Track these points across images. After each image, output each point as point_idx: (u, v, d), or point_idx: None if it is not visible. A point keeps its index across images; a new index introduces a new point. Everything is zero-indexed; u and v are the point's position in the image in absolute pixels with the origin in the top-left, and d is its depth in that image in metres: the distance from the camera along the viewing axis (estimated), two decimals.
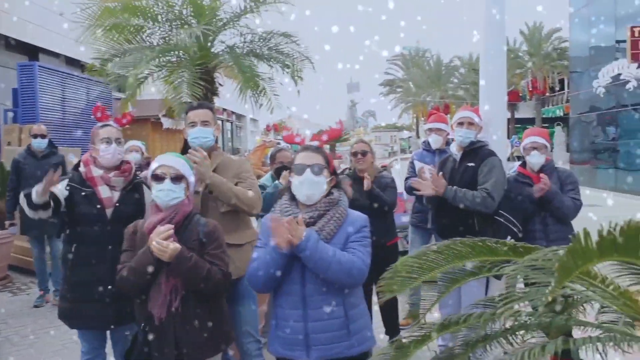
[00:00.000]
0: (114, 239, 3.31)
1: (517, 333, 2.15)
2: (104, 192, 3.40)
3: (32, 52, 14.04)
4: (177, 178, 2.88)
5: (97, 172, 3.42)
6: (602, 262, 1.57)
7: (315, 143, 3.47)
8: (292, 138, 3.93)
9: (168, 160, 2.95)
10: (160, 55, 9.72)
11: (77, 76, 12.82)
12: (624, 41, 14.29)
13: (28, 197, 3.30)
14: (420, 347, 2.03)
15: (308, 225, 2.65)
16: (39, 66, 11.22)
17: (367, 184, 4.56)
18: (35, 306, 6.55)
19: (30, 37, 13.65)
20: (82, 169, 3.49)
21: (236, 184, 3.52)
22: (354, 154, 4.79)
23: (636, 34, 13.68)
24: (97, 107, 4.67)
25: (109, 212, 3.40)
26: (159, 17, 9.96)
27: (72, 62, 15.68)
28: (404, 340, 2.06)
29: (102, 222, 3.37)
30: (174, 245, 2.68)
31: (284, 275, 2.68)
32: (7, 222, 6.75)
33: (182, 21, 9.93)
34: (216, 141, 3.82)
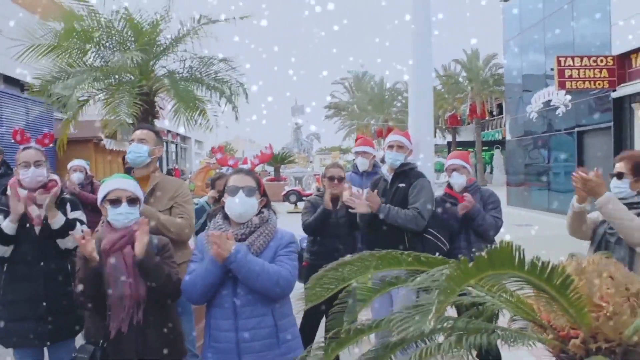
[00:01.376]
0: (44, 256, 3.46)
1: (432, 336, 2.36)
2: (32, 211, 3.49)
3: None
4: (133, 200, 3.03)
5: (22, 193, 3.50)
6: (481, 277, 1.82)
7: (247, 166, 3.68)
8: (226, 161, 4.12)
9: (122, 183, 3.08)
10: (102, 77, 9.79)
11: (16, 96, 12.56)
12: (553, 69, 15.17)
13: None
14: (339, 351, 2.22)
15: (240, 240, 2.87)
16: None
17: (346, 194, 4.52)
18: None
19: None
20: (9, 192, 3.56)
21: (171, 208, 3.68)
22: (330, 179, 4.83)
23: (562, 63, 14.55)
24: (16, 131, 4.73)
25: (37, 229, 3.48)
26: (101, 41, 10.04)
27: (10, 81, 15.30)
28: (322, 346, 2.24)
29: (31, 240, 3.46)
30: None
31: (217, 288, 2.87)
32: None
33: (123, 46, 10.05)
34: (160, 164, 3.94)
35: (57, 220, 3.46)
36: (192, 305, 3.89)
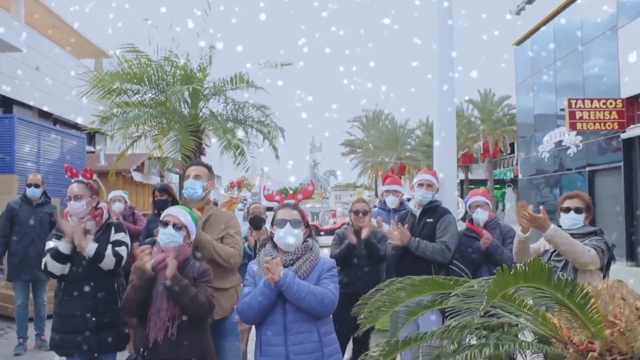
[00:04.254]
0: (92, 276, 3.97)
1: (463, 352, 2.72)
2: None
3: (6, 103, 14.39)
4: (178, 226, 3.49)
5: (73, 221, 4.05)
6: (517, 287, 2.20)
7: (292, 201, 4.13)
8: (272, 197, 4.59)
9: (174, 211, 3.57)
10: (156, 116, 10.50)
11: (52, 129, 13.21)
12: (564, 110, 15.59)
13: (56, 255, 3.90)
14: (392, 356, 2.59)
15: (288, 266, 3.29)
16: (18, 118, 11.59)
17: (365, 232, 5.05)
18: (17, 354, 6.59)
19: (5, 89, 14.03)
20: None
21: (222, 237, 4.00)
22: (355, 212, 5.23)
23: (573, 105, 14.98)
24: (66, 168, 5.39)
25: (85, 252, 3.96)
26: (153, 82, 10.82)
27: (44, 114, 16.08)
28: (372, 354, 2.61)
29: (82, 262, 3.97)
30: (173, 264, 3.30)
31: (270, 308, 3.26)
32: None
33: (174, 88, 10.86)
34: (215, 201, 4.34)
35: (89, 250, 3.94)
36: (238, 326, 4.29)
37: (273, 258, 3.27)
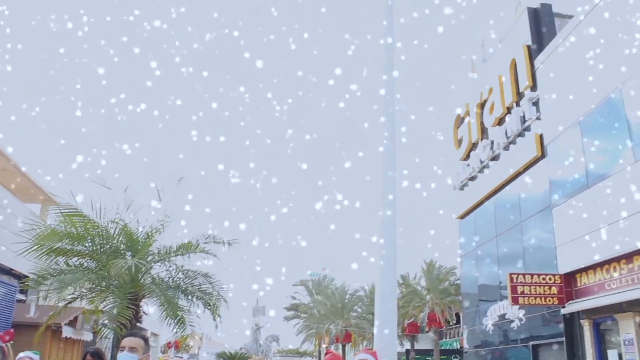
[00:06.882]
0: None
1: None
2: None
3: None
4: None
5: None
6: None
7: None
8: None
9: None
10: (95, 279, 10.37)
11: None
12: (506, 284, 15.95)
13: None
14: None
15: None
16: None
17: None
18: None
19: None
20: None
21: None
22: None
23: (514, 280, 15.39)
24: None
25: None
26: (98, 246, 10.78)
27: None
28: None
29: None
30: None
31: None
32: None
33: (118, 253, 10.80)
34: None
35: None
36: None
37: None
